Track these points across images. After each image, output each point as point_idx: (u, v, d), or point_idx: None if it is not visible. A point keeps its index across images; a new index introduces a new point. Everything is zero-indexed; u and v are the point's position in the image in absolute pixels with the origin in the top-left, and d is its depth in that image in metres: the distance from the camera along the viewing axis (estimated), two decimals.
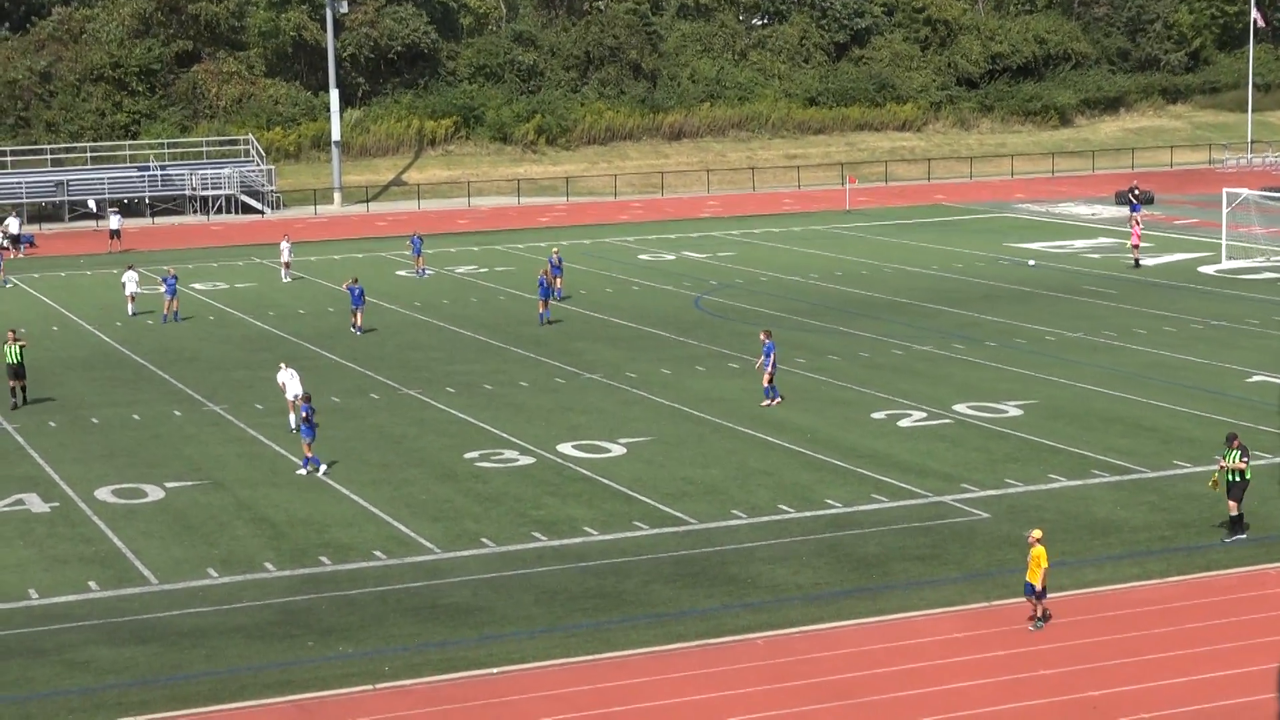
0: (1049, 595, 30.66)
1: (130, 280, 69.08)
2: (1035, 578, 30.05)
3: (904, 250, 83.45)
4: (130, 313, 67.92)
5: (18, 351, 50.67)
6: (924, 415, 47.22)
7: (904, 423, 46.46)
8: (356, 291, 63.14)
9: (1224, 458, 35.21)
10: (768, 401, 48.64)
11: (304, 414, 42.22)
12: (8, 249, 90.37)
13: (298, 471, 42.21)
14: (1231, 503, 35.25)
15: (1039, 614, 30.49)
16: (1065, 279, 72.57)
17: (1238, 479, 35.06)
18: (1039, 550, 29.96)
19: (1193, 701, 27.10)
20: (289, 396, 47.17)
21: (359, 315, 63.08)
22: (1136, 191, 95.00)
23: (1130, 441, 43.80)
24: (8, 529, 37.89)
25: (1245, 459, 35.05)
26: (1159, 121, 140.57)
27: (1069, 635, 30.26)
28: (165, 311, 67.26)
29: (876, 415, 47.41)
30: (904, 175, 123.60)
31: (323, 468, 42.27)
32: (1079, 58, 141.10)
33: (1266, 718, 26.16)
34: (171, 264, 75.83)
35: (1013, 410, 47.64)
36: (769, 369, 48.61)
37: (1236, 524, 35.38)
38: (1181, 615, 31.24)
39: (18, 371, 50.72)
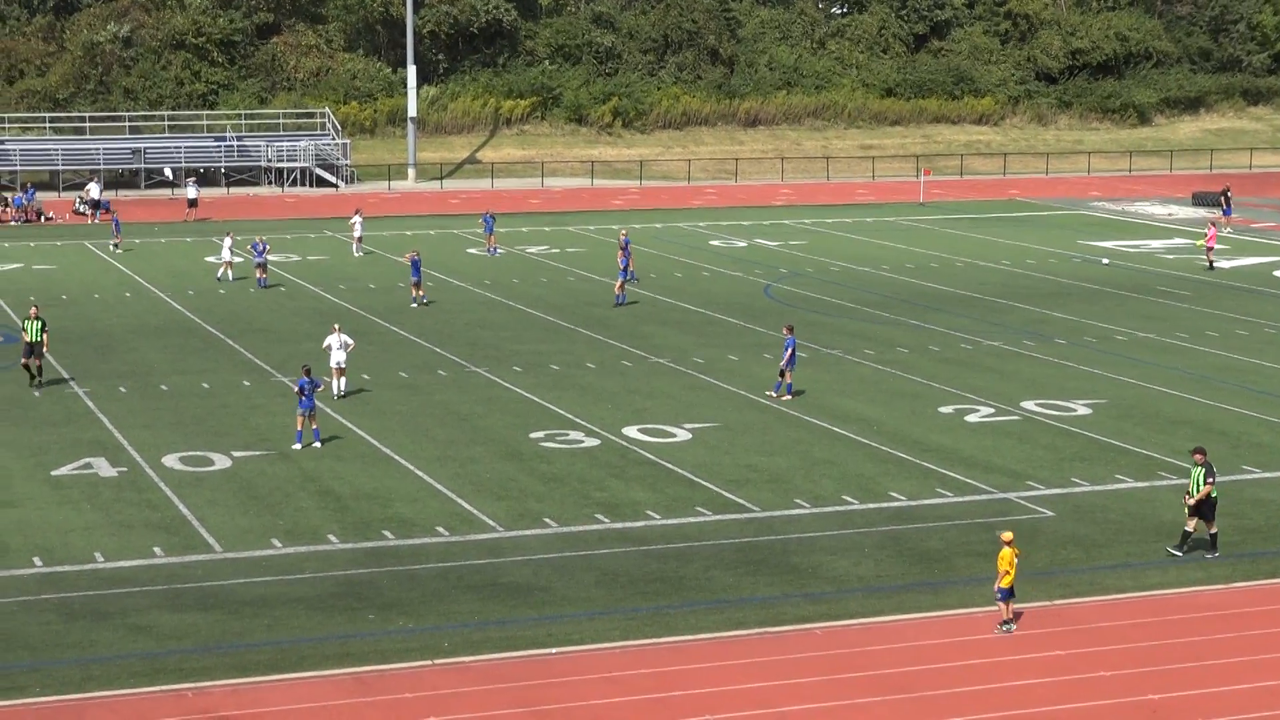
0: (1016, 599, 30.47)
1: (226, 245, 69.63)
2: (1006, 580, 29.80)
3: (976, 245, 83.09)
4: (228, 278, 68.49)
5: (38, 328, 49.06)
6: (991, 411, 47.05)
7: (971, 418, 46.30)
8: (415, 262, 63.58)
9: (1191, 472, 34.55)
10: (773, 394, 48.44)
11: (298, 387, 42.26)
12: (84, 214, 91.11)
13: (293, 446, 42.19)
14: (1191, 521, 34.39)
15: (1009, 615, 30.16)
16: (1138, 279, 72.12)
17: (1195, 493, 34.24)
18: (1009, 552, 29.73)
19: (1255, 708, 26.93)
20: (331, 364, 47.57)
21: (417, 288, 63.52)
22: (1229, 194, 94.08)
23: (1200, 444, 43.41)
24: (75, 492, 38.20)
25: (1210, 479, 34.11)
26: (1239, 123, 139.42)
27: (1130, 637, 30.10)
28: (259, 275, 68.27)
29: (944, 409, 47.26)
30: (979, 169, 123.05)
31: (316, 443, 42.32)
32: (1160, 56, 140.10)
33: None
34: (244, 234, 76.14)
35: (1081, 409, 47.40)
36: (786, 364, 48.24)
37: (1187, 539, 34.52)
38: (1246, 621, 31.03)
39: (34, 349, 49.07)
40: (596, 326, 59.51)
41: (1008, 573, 29.79)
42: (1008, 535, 30.21)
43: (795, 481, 39.87)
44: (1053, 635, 30.19)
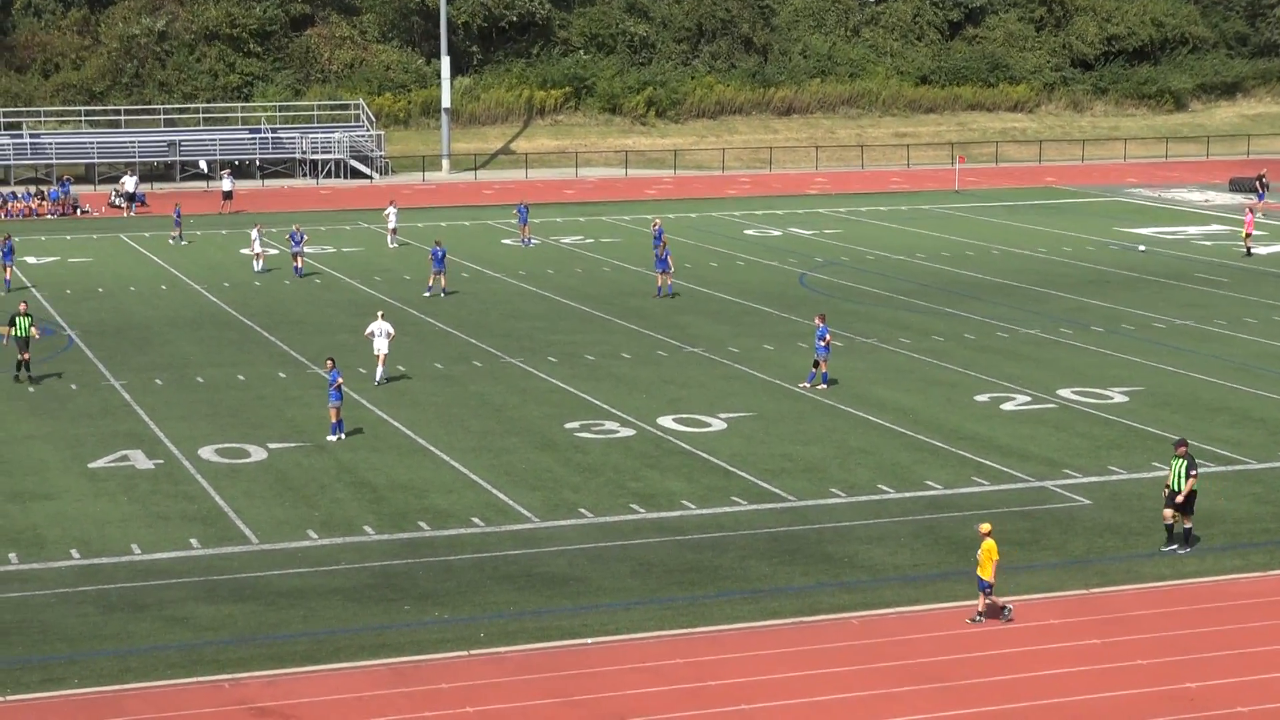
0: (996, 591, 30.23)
1: (255, 237, 70.04)
2: (986, 572, 29.62)
3: (1012, 232, 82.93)
4: (258, 268, 68.81)
5: (26, 325, 49.13)
6: (1028, 399, 46.98)
7: (1007, 406, 46.24)
8: (439, 254, 63.77)
9: (1170, 466, 34.08)
10: (807, 385, 48.37)
11: (332, 380, 42.47)
12: (120, 206, 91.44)
13: (328, 438, 42.39)
14: (1167, 511, 33.92)
15: (984, 609, 29.99)
16: (1176, 265, 71.92)
17: (1179, 486, 33.74)
18: (990, 544, 29.56)
19: None
20: (375, 350, 47.93)
21: (439, 279, 63.65)
22: (1263, 181, 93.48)
23: (1237, 432, 43.42)
24: (113, 484, 38.40)
25: (1193, 473, 33.65)
26: (1276, 108, 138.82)
27: (1167, 626, 30.05)
28: (295, 265, 68.85)
29: (980, 398, 47.22)
30: (1015, 156, 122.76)
31: (341, 436, 42.47)
32: (1196, 41, 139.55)
33: None
34: (280, 226, 76.40)
35: (1118, 397, 47.30)
36: (822, 356, 48.13)
37: (1172, 535, 34.04)
38: None
39: (26, 344, 49.14)
40: (632, 316, 59.57)
41: (987, 564, 29.62)
42: (986, 527, 30.03)
43: (830, 471, 39.89)
44: (1089, 624, 30.14)
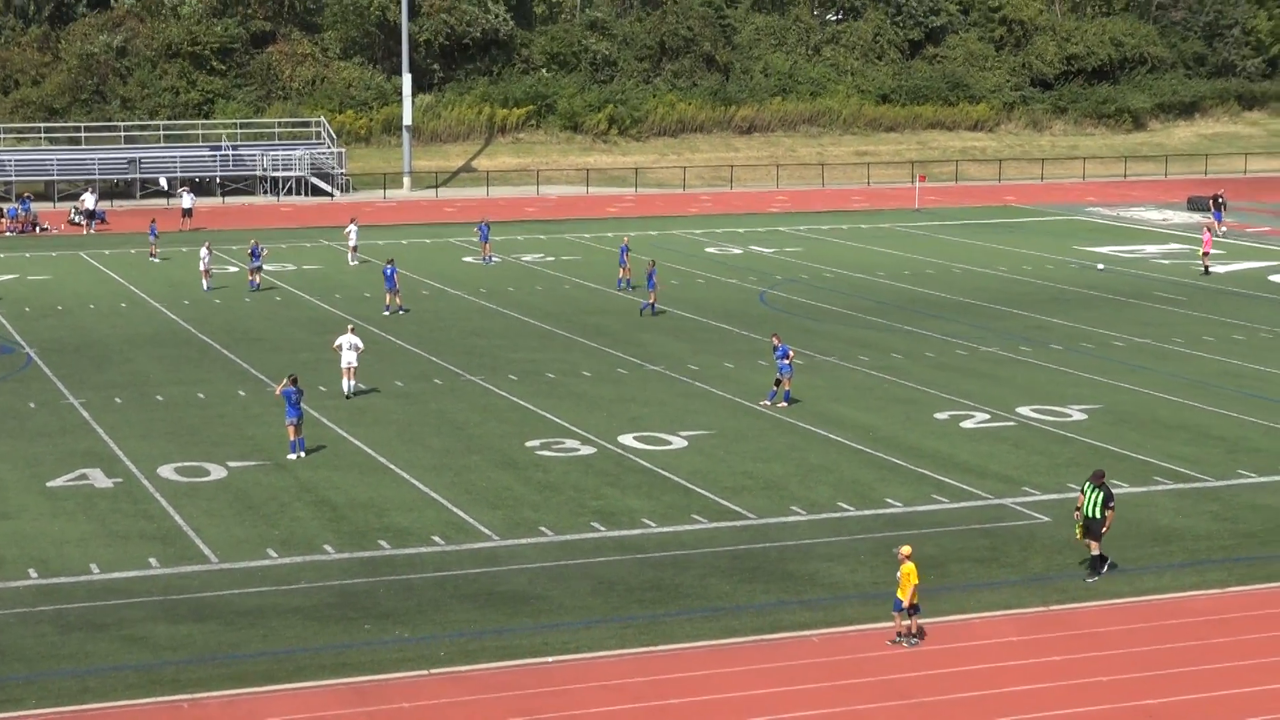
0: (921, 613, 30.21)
1: (204, 255, 69.93)
2: (904, 593, 29.55)
3: (972, 251, 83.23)
4: (205, 287, 68.66)
5: None
6: (987, 417, 47.14)
7: (967, 424, 46.38)
8: (390, 272, 63.80)
9: (1084, 495, 33.68)
10: (768, 403, 48.45)
11: (290, 396, 42.35)
12: (80, 224, 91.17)
13: (289, 456, 42.26)
14: (1089, 542, 33.61)
15: (906, 631, 29.88)
16: (1134, 284, 72.27)
17: (1097, 515, 33.42)
18: (909, 566, 29.50)
19: (1251, 713, 26.99)
20: (343, 363, 48.12)
21: (393, 297, 63.69)
22: (1219, 200, 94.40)
23: (1195, 449, 43.61)
24: (71, 503, 38.23)
25: (1110, 507, 33.36)
26: (1234, 128, 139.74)
27: (1127, 643, 30.16)
28: (252, 279, 69.14)
29: (939, 415, 47.35)
30: (975, 175, 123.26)
31: (301, 454, 42.34)
32: (1155, 61, 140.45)
33: None
34: (240, 244, 76.28)
35: (1077, 414, 47.49)
36: (784, 374, 48.18)
37: (1099, 563, 33.71)
38: (1242, 626, 31.09)
39: None
40: (592, 334, 59.61)
41: (907, 586, 29.50)
42: (906, 550, 29.97)
43: (791, 488, 39.93)
44: (1050, 640, 30.24)
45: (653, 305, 63.72)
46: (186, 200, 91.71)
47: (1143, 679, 28.44)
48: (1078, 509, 33.95)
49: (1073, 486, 39.81)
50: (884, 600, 32.07)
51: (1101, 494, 33.44)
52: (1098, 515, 33.40)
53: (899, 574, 29.71)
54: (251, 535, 36.01)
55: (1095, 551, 33.75)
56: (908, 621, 29.91)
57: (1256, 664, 29.17)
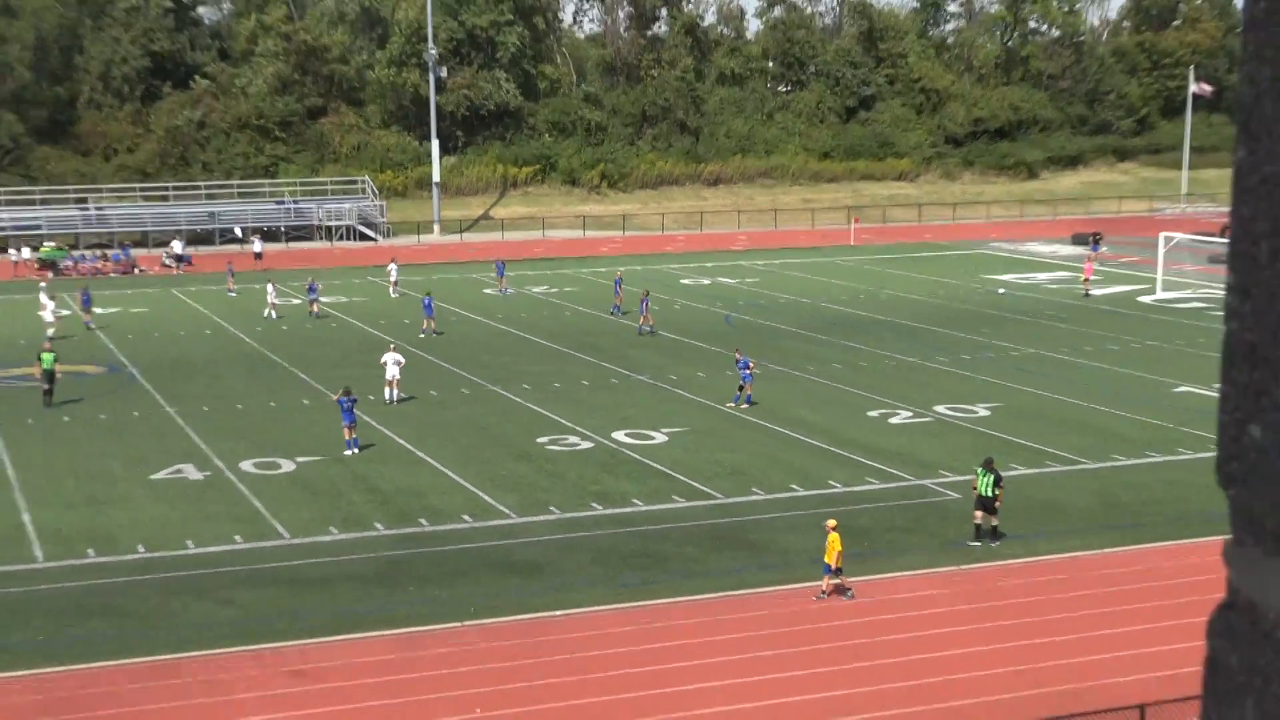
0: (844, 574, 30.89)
1: (270, 291, 70.23)
2: (830, 558, 29.81)
3: (898, 279, 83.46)
4: (271, 316, 68.86)
5: (51, 359, 49.32)
6: (910, 414, 47.46)
7: (894, 420, 46.71)
8: (428, 302, 64.20)
9: (978, 476, 33.91)
10: (732, 405, 48.63)
11: (343, 404, 42.61)
12: (170, 266, 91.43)
13: (345, 452, 42.39)
14: (978, 512, 33.82)
15: (826, 588, 30.05)
16: (1029, 305, 72.57)
17: (989, 494, 33.57)
18: (834, 536, 29.81)
19: (1121, 649, 27.45)
20: (387, 376, 48.44)
21: (430, 323, 64.02)
22: (1097, 236, 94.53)
23: (1078, 439, 43.98)
24: (171, 492, 38.56)
25: (1000, 487, 33.50)
26: (1111, 176, 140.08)
27: (1023, 594, 30.59)
28: (312, 310, 69.18)
29: (871, 413, 47.65)
30: (899, 218, 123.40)
31: (355, 450, 42.45)
32: (1045, 122, 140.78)
33: (1191, 661, 26.49)
34: (299, 280, 76.61)
35: (983, 411, 47.85)
36: (746, 382, 48.39)
37: (980, 531, 33.77)
38: (1116, 580, 31.54)
39: (49, 376, 49.18)
40: (590, 351, 59.87)
41: (832, 552, 29.74)
42: (832, 523, 30.33)
43: (751, 473, 40.23)
44: (960, 593, 30.68)
45: (651, 328, 63.99)
46: (257, 245, 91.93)
47: (1035, 623, 28.91)
48: (974, 489, 34.42)
49: (995, 469, 40.23)
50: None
51: (992, 476, 33.72)
52: (989, 493, 33.72)
53: (826, 542, 30.14)
54: (316, 516, 36.31)
55: (978, 521, 33.89)
56: (836, 580, 30.26)
57: (1127, 609, 29.67)
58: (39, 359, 49.93)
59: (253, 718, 24.75)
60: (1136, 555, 33.39)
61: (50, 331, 61.42)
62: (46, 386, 49.47)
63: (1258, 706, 1.60)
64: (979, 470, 34.28)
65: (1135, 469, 40.49)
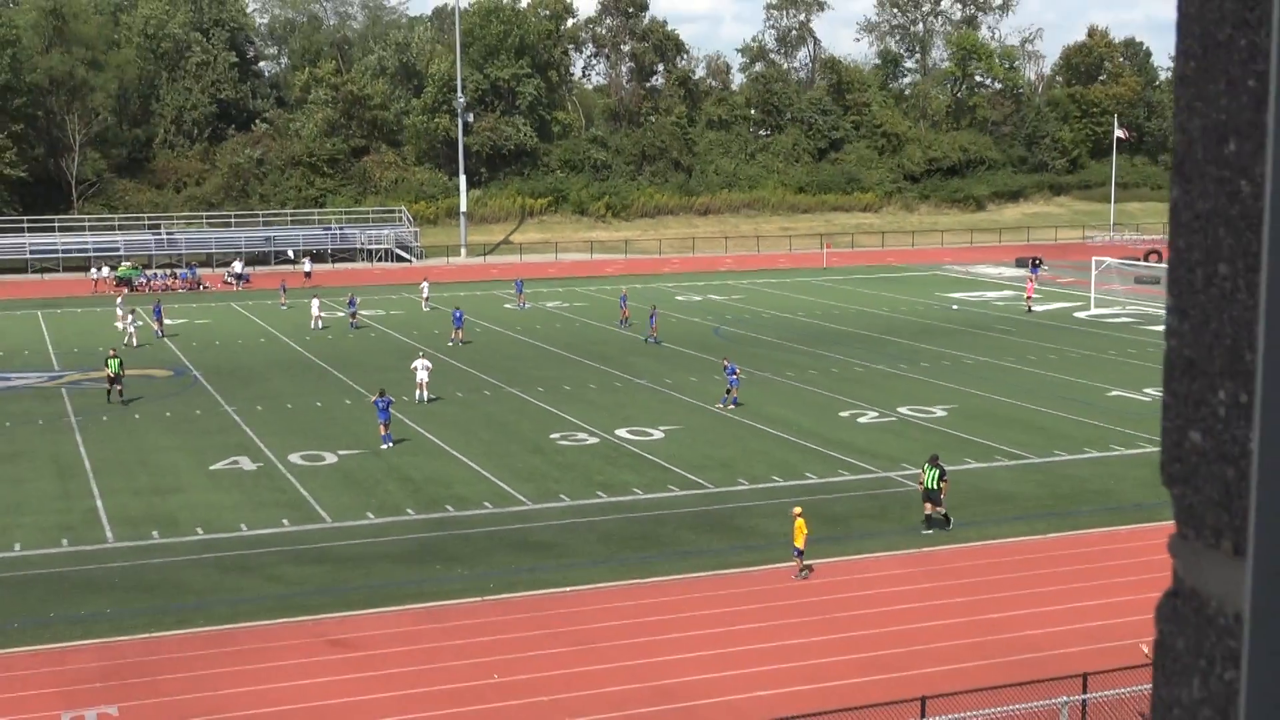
0: (808, 557, 30.39)
1: (314, 305, 69.83)
2: (799, 541, 29.23)
3: (864, 297, 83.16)
4: (317, 327, 68.53)
5: (117, 364, 49.49)
6: (876, 414, 47.05)
7: (862, 420, 46.30)
8: (458, 315, 63.90)
9: (924, 472, 33.34)
10: (721, 405, 48.09)
11: (379, 404, 42.15)
12: (231, 283, 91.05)
13: (381, 446, 41.92)
14: (927, 504, 33.12)
15: (801, 568, 29.55)
16: (979, 319, 72.19)
17: (934, 487, 32.90)
18: (800, 521, 29.24)
19: (1064, 624, 26.95)
20: (417, 379, 48.33)
21: (459, 333, 63.64)
22: (1038, 260, 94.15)
23: (1024, 436, 43.57)
24: (227, 480, 38.14)
25: (944, 480, 32.86)
26: (1048, 208, 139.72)
27: (976, 574, 30.12)
28: (351, 321, 68.93)
29: (843, 414, 47.25)
30: (865, 243, 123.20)
31: (388, 445, 41.95)
32: (991, 162, 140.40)
33: (1129, 635, 25.98)
34: (345, 296, 76.20)
35: (940, 412, 47.43)
36: (733, 385, 48.01)
37: (931, 521, 33.06)
38: (1059, 561, 31.07)
39: (115, 379, 49.26)
40: (596, 358, 59.48)
41: (799, 536, 29.14)
42: (798, 510, 29.82)
43: (738, 466, 39.83)
44: (921, 573, 30.20)
45: (656, 339, 63.65)
46: (307, 265, 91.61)
47: (987, 599, 28.42)
48: (919, 483, 33.83)
49: (940, 464, 39.76)
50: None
51: (936, 471, 33.14)
52: (934, 486, 33.14)
53: (793, 527, 29.56)
54: (355, 502, 35.93)
55: (929, 511, 33.20)
56: (808, 562, 29.78)
57: (1070, 588, 29.17)
58: (106, 364, 49.97)
59: (297, 681, 24.23)
60: (1077, 539, 32.88)
61: (133, 342, 61.79)
62: (117, 386, 49.41)
63: (1204, 686, 1.61)
64: (925, 466, 33.73)
65: (1075, 463, 39.98)
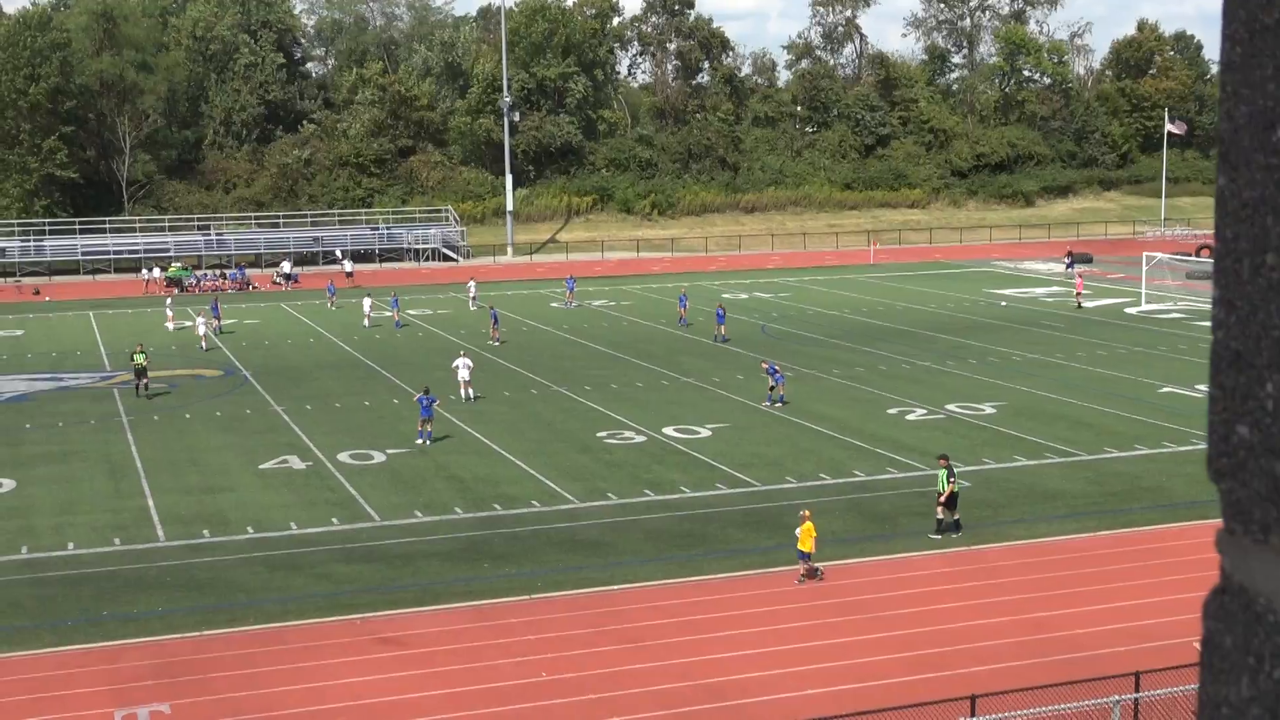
0: (816, 560, 30.07)
1: (366, 304, 70.29)
2: (806, 545, 28.83)
3: (911, 294, 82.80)
4: (366, 326, 68.94)
5: (142, 359, 50.51)
6: (924, 411, 46.83)
7: (910, 417, 46.10)
8: (495, 314, 64.16)
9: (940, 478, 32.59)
10: (767, 404, 47.92)
11: (423, 402, 42.28)
12: (279, 284, 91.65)
13: (415, 442, 42.11)
14: (939, 508, 32.49)
15: (805, 572, 29.10)
16: (1028, 315, 71.73)
17: (941, 488, 32.30)
18: (808, 525, 28.87)
19: (1110, 623, 26.74)
20: (459, 378, 48.75)
21: (496, 331, 63.74)
22: (1081, 255, 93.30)
23: (1073, 433, 43.27)
24: (277, 480, 38.39)
25: (952, 479, 32.15)
26: (1097, 204, 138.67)
27: (1024, 572, 29.93)
28: (396, 318, 69.66)
29: (890, 411, 47.07)
30: (912, 240, 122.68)
31: (427, 442, 42.03)
32: (1040, 157, 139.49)
33: (1181, 634, 25.73)
34: (393, 295, 76.58)
35: (988, 409, 47.16)
36: (778, 383, 47.89)
37: (941, 525, 32.41)
38: (1108, 560, 30.82)
39: (141, 372, 50.22)
40: (644, 356, 59.49)
41: (807, 540, 28.77)
42: (806, 513, 29.48)
43: (785, 464, 39.75)
44: (969, 571, 30.04)
45: (724, 337, 63.43)
46: (348, 265, 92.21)
47: (1035, 598, 28.23)
48: (939, 491, 32.54)
49: (986, 460, 39.63)
50: (853, 544, 31.95)
51: (945, 472, 32.28)
52: (941, 487, 32.30)
53: (800, 530, 28.88)
54: (403, 501, 36.08)
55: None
56: (817, 565, 29.43)
57: (1120, 586, 28.93)
58: (133, 358, 51.17)
59: (346, 679, 24.35)
60: (1127, 537, 32.64)
61: (204, 345, 62.73)
62: (143, 380, 50.58)
63: (1252, 684, 1.56)
64: (940, 469, 32.73)
65: (1125, 460, 39.67)
